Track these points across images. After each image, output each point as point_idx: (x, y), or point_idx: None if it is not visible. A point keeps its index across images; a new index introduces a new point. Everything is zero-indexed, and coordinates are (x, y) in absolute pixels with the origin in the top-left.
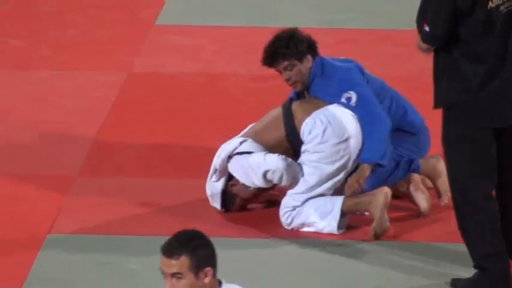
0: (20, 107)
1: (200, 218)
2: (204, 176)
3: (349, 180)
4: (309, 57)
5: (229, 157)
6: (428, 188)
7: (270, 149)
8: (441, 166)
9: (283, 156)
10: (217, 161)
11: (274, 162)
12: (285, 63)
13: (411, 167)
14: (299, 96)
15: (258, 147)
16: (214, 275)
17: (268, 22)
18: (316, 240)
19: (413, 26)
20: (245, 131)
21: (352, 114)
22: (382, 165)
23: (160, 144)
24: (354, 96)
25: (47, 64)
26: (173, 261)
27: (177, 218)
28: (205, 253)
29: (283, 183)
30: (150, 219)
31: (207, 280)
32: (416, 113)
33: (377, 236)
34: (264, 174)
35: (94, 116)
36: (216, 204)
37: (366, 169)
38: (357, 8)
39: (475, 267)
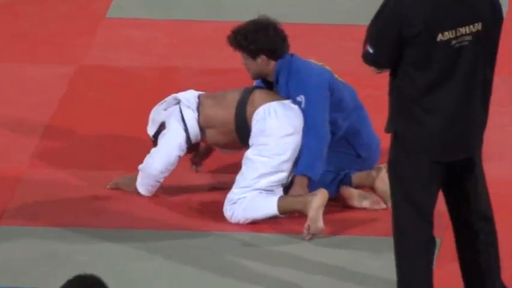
0: None
1: (150, 210)
2: None
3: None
4: (264, 57)
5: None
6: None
7: (216, 124)
8: (382, 176)
9: (181, 140)
10: (172, 95)
11: (171, 132)
12: (240, 52)
13: (343, 180)
14: (267, 84)
15: (195, 124)
16: None
17: (220, 16)
18: (265, 235)
19: (364, 22)
20: (208, 94)
21: (300, 112)
22: (311, 177)
23: (111, 137)
24: (303, 100)
25: None
26: None
27: (127, 210)
28: None
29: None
30: (99, 212)
31: None
32: (372, 136)
33: (311, 236)
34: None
35: (43, 108)
36: (151, 131)
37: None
38: (308, 2)
39: None
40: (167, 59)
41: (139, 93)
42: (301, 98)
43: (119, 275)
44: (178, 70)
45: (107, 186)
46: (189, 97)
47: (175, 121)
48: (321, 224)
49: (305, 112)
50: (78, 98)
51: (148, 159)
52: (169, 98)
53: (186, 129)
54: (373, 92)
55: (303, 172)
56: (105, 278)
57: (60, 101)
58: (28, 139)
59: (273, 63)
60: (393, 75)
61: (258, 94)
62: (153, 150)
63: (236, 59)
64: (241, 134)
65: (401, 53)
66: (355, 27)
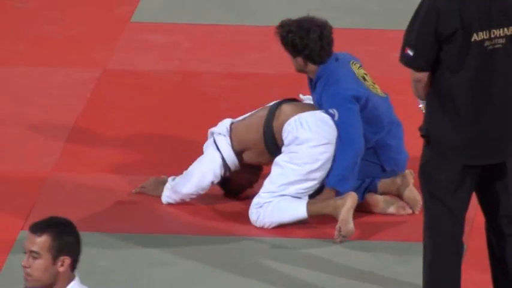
0: None
1: (173, 215)
2: (177, 172)
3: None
4: (300, 59)
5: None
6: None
7: (250, 145)
8: (407, 182)
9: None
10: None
11: (204, 168)
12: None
13: (369, 187)
14: (311, 83)
15: (229, 149)
16: (72, 267)
17: (244, 20)
18: (290, 239)
19: (389, 27)
20: (238, 119)
21: (333, 123)
22: (341, 192)
23: (134, 141)
24: (336, 114)
25: (22, 61)
26: (36, 239)
27: (151, 214)
28: (69, 241)
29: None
30: (123, 216)
31: (62, 269)
32: (401, 153)
33: (342, 238)
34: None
35: (68, 112)
36: None
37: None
38: (335, 7)
39: None
40: (191, 63)
41: (163, 97)
42: (333, 111)
43: (142, 280)
44: (201, 74)
45: (133, 191)
46: (221, 127)
47: (212, 149)
48: (351, 225)
49: (340, 126)
50: (102, 102)
51: (181, 179)
52: (209, 132)
53: (222, 157)
54: (396, 97)
55: (334, 186)
56: (128, 283)
57: (85, 104)
58: (53, 143)
59: (311, 66)
60: (431, 80)
61: (284, 108)
62: (186, 172)
63: (259, 63)
64: (271, 151)
65: (438, 56)
66: (379, 31)
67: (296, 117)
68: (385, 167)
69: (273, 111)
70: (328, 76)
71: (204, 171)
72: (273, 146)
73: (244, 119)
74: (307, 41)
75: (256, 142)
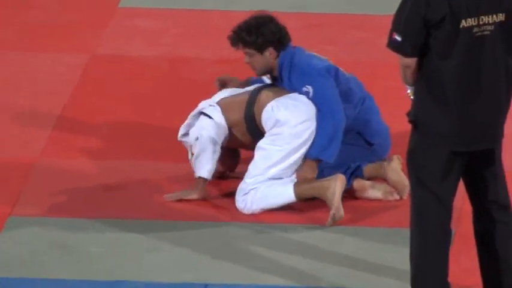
0: None
1: (163, 201)
2: (166, 158)
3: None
4: (271, 49)
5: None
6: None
7: (230, 125)
8: (394, 167)
9: (215, 134)
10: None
11: (206, 127)
12: (245, 49)
13: (355, 172)
14: (273, 80)
15: (221, 117)
16: None
17: (234, 6)
18: (279, 225)
19: (380, 12)
20: (221, 96)
21: (309, 101)
22: (325, 160)
23: (123, 127)
24: (311, 90)
25: (11, 46)
26: None
27: (140, 200)
28: None
29: (193, 149)
30: (112, 202)
31: None
32: (381, 124)
33: (333, 222)
34: (196, 138)
35: (57, 98)
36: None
37: (312, 165)
38: None
39: None
40: (179, 48)
41: (152, 83)
42: (307, 88)
43: (132, 266)
44: (190, 60)
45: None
46: (205, 104)
47: (203, 118)
48: (342, 211)
49: (316, 99)
50: (91, 88)
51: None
52: (190, 116)
53: (216, 123)
54: (386, 83)
55: (316, 156)
56: (117, 269)
57: (73, 90)
58: (41, 129)
59: (276, 55)
60: (419, 66)
61: (263, 93)
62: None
63: None
64: (253, 134)
65: (426, 42)
66: (371, 17)
67: (272, 102)
68: (372, 142)
69: (254, 96)
70: (291, 60)
71: (202, 126)
72: (255, 128)
73: (226, 97)
74: (272, 28)
75: (238, 123)
